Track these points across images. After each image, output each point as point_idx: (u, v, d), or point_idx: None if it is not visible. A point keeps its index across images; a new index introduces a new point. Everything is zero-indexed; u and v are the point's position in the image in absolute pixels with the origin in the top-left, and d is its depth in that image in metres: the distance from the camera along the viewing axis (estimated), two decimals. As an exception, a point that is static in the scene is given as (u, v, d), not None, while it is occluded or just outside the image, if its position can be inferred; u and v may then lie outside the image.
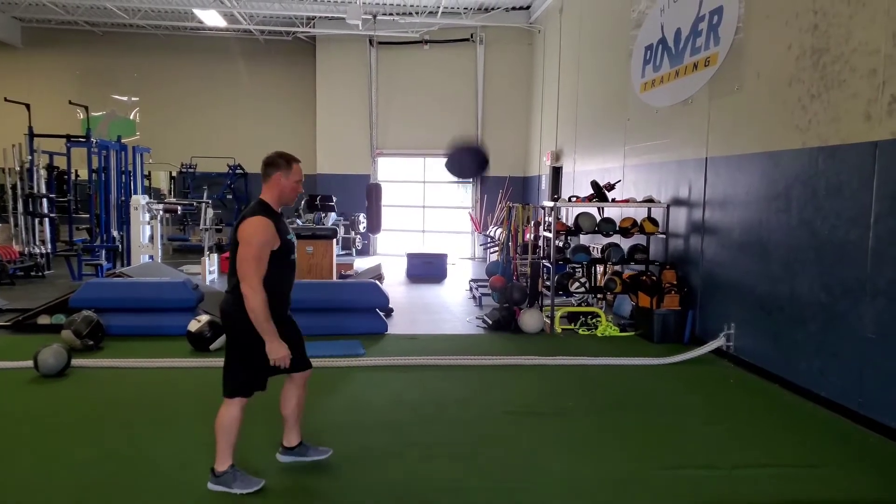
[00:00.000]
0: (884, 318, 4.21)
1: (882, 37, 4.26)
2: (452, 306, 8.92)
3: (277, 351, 3.11)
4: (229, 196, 16.12)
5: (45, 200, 11.07)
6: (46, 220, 11.18)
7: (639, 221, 7.35)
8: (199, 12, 13.59)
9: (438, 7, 13.79)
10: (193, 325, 6.12)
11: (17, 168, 11.00)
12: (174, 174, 16.34)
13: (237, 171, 16.20)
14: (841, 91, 4.63)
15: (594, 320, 7.28)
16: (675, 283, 6.77)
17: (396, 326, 7.38)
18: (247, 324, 3.08)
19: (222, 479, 3.22)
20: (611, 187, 7.72)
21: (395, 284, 10.72)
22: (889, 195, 4.18)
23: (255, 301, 3.01)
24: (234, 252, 3.13)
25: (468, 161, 3.11)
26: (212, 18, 13.99)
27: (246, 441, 3.92)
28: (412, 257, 12.05)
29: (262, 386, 3.29)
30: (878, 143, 4.27)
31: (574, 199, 7.87)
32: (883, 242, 4.23)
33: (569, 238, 8.11)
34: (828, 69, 4.76)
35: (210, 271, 10.53)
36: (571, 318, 7.47)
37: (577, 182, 10.73)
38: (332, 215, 13.82)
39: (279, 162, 3.22)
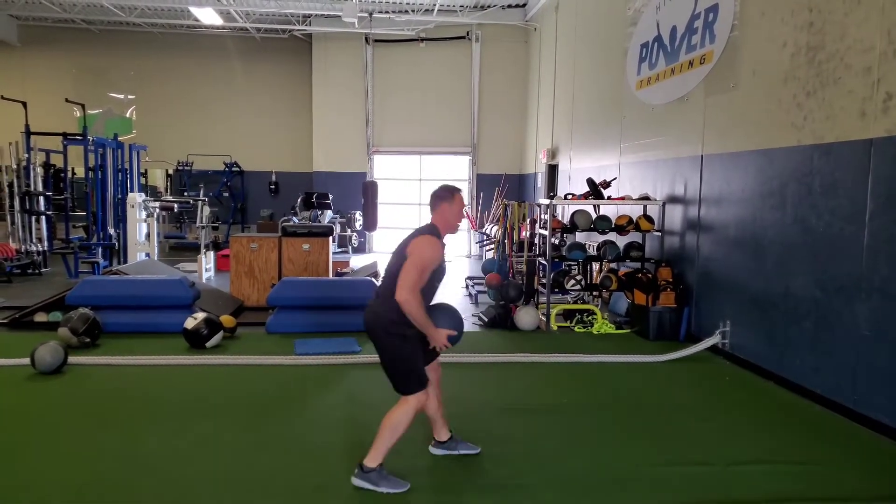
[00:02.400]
0: (878, 316, 4.23)
1: (877, 34, 4.28)
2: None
3: (439, 337, 3.28)
4: (226, 194, 16.10)
5: (41, 198, 11.07)
6: (43, 217, 11.18)
7: (634, 219, 7.37)
8: (195, 10, 13.56)
9: (434, 5, 13.78)
10: (190, 323, 6.12)
11: (14, 166, 10.98)
12: (171, 172, 16.31)
13: (233, 169, 16.18)
14: (836, 88, 4.64)
15: (590, 318, 7.29)
16: (670, 280, 6.79)
17: (393, 324, 7.37)
18: (396, 328, 3.23)
19: (370, 477, 3.25)
20: (606, 185, 7.74)
21: (391, 282, 10.71)
22: (884, 193, 4.20)
23: (413, 305, 3.16)
24: (394, 266, 3.27)
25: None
26: (208, 16, 13.96)
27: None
28: (409, 255, 12.02)
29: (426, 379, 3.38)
30: (872, 141, 4.29)
31: (570, 196, 7.88)
32: (877, 240, 4.25)
33: (564, 235, 8.12)
34: (823, 67, 4.78)
35: (206, 269, 10.53)
36: (567, 315, 7.48)
37: (572, 179, 10.75)
38: (329, 213, 13.82)
39: (445, 194, 3.43)
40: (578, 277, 7.56)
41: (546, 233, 7.46)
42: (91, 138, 10.89)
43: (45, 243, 11.16)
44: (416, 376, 3.31)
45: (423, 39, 14.97)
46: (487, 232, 13.00)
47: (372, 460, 3.27)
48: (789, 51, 5.17)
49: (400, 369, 3.30)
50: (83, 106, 13.13)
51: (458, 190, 3.48)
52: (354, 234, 14.90)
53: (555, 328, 7.24)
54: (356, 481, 3.28)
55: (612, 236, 7.59)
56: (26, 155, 10.86)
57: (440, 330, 3.30)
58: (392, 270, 3.29)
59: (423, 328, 3.24)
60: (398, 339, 3.26)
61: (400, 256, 3.27)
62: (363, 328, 3.40)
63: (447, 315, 3.40)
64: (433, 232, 3.35)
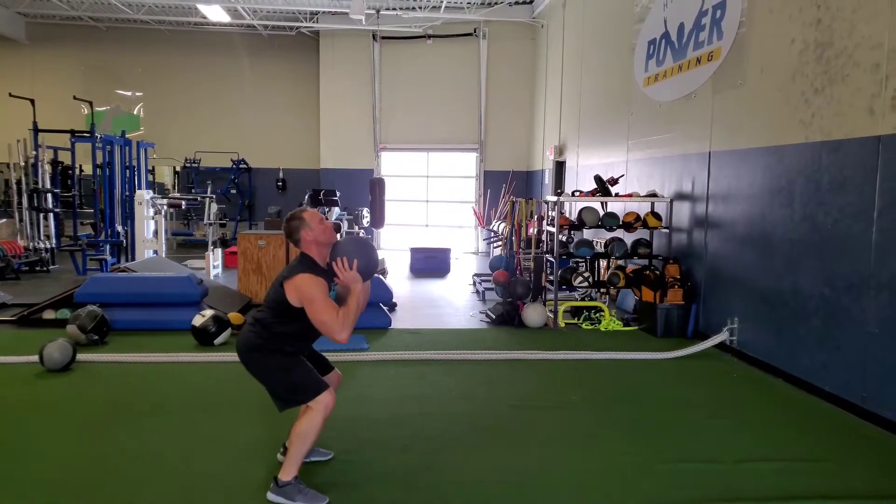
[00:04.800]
0: (887, 313, 4.21)
1: (885, 31, 4.25)
2: (456, 301, 8.93)
3: (354, 277, 3.10)
4: (233, 191, 16.13)
5: (49, 195, 11.12)
6: (51, 215, 11.24)
7: (642, 216, 7.35)
8: (202, 7, 13.58)
9: (441, 2, 13.76)
10: (198, 320, 6.15)
11: (22, 163, 11.03)
12: (178, 169, 16.37)
13: (241, 166, 16.22)
14: (844, 85, 4.62)
15: (597, 315, 7.29)
16: (678, 277, 6.77)
17: (400, 321, 7.40)
18: (274, 345, 3.16)
19: (285, 491, 3.10)
20: (614, 182, 7.72)
21: (398, 279, 10.75)
22: (892, 190, 4.17)
23: (348, 323, 3.06)
24: (275, 292, 3.17)
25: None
26: (215, 13, 13.98)
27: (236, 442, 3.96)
28: (416, 252, 12.07)
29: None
30: (881, 138, 4.27)
31: (577, 193, 7.86)
32: (886, 237, 4.23)
33: (572, 232, 8.10)
34: (831, 63, 4.75)
35: (214, 266, 10.57)
36: (575, 312, 7.48)
37: (580, 176, 10.73)
38: (336, 210, 13.82)
39: (296, 224, 3.21)
40: (586, 274, 7.55)
41: (553, 230, 7.45)
42: (99, 135, 10.96)
43: (53, 240, 11.22)
44: (308, 383, 3.17)
45: (430, 36, 14.96)
46: (495, 229, 12.98)
47: (286, 474, 3.12)
48: (797, 47, 5.15)
49: (297, 377, 3.17)
50: (91, 103, 13.19)
51: (304, 210, 3.25)
52: (362, 230, 14.91)
53: (562, 325, 7.24)
54: (271, 496, 3.12)
55: (619, 233, 7.58)
56: (34, 152, 10.92)
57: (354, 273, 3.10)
58: (270, 298, 3.20)
59: (357, 306, 3.10)
60: (277, 355, 3.17)
61: (278, 289, 3.14)
62: (244, 357, 3.22)
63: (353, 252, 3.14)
64: (308, 269, 3.12)
